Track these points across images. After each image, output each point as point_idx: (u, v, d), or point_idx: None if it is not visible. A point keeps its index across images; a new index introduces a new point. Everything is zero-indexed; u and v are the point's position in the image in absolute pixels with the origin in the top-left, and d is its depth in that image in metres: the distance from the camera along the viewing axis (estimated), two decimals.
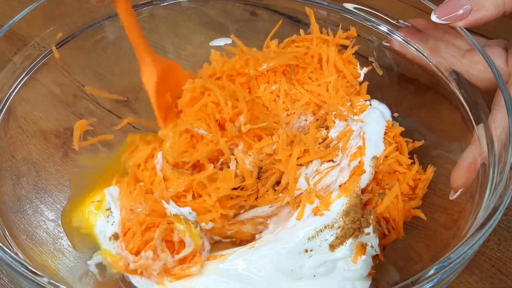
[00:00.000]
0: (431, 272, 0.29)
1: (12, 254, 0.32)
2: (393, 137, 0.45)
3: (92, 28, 0.49)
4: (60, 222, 0.44)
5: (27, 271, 0.31)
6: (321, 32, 0.50)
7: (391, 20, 0.49)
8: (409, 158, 0.45)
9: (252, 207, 0.44)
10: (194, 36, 0.54)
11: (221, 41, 0.54)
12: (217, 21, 0.54)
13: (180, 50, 0.55)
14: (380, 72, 0.50)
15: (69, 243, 0.43)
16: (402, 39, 0.48)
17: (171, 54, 0.54)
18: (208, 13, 0.53)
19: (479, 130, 0.40)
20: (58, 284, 0.31)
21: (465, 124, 0.42)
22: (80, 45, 0.50)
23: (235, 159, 0.44)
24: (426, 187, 0.43)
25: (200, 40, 0.54)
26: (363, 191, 0.41)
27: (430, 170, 0.43)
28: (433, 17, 0.41)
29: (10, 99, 0.45)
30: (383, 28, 0.49)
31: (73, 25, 0.49)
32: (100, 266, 0.42)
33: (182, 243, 0.40)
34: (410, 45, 0.47)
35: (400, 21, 0.48)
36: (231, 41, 0.54)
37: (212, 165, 0.44)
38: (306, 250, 0.38)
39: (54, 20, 0.48)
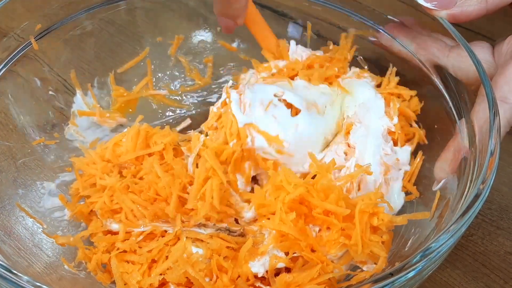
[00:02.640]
0: (412, 262, 0.29)
1: None
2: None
3: (74, 20, 0.49)
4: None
5: (4, 271, 0.31)
6: None
7: (377, 15, 0.49)
8: None
9: None
10: (174, 28, 0.54)
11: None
12: (199, 13, 0.54)
13: (159, 41, 0.54)
14: (365, 66, 0.50)
15: (48, 238, 0.42)
16: (389, 34, 0.48)
17: (149, 46, 0.54)
18: (189, 4, 0.53)
19: (462, 123, 0.40)
20: (38, 283, 0.30)
21: (448, 118, 0.42)
22: (61, 37, 0.49)
23: None
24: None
25: (181, 32, 0.54)
26: None
27: (420, 156, 0.43)
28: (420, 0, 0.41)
29: None
30: (369, 22, 0.49)
31: (54, 17, 0.48)
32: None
33: None
34: (397, 40, 0.47)
35: (389, 16, 0.48)
36: (211, 36, 0.54)
37: None
38: None
39: (35, 11, 0.47)
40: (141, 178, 0.43)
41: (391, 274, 0.29)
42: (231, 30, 0.46)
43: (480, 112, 0.37)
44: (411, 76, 0.47)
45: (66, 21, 0.48)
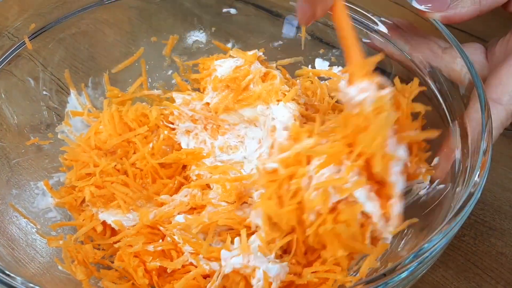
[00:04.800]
0: (404, 263, 0.29)
1: None
2: None
3: (68, 20, 0.49)
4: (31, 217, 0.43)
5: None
6: None
7: (371, 17, 0.49)
8: None
9: None
10: (169, 29, 0.54)
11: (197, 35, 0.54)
12: (194, 13, 0.54)
13: (154, 41, 0.54)
14: None
15: (42, 239, 0.42)
16: (382, 36, 0.48)
17: (144, 46, 0.53)
18: (184, 5, 0.53)
19: (455, 125, 0.40)
20: (31, 284, 0.30)
21: (442, 119, 0.42)
22: (56, 37, 0.49)
23: None
24: None
25: (175, 32, 0.54)
26: None
27: None
28: (414, 2, 0.41)
29: None
30: (363, 24, 0.49)
31: (48, 16, 0.48)
32: None
33: None
34: (390, 41, 0.47)
35: (382, 18, 0.48)
36: (205, 37, 0.54)
37: None
38: None
39: (29, 10, 0.47)
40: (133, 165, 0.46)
41: (384, 275, 0.29)
42: (308, 20, 0.37)
43: (473, 114, 0.37)
44: (405, 78, 0.47)
45: (60, 21, 0.48)
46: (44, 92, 0.49)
